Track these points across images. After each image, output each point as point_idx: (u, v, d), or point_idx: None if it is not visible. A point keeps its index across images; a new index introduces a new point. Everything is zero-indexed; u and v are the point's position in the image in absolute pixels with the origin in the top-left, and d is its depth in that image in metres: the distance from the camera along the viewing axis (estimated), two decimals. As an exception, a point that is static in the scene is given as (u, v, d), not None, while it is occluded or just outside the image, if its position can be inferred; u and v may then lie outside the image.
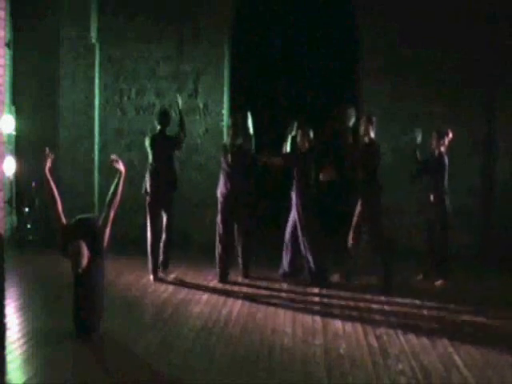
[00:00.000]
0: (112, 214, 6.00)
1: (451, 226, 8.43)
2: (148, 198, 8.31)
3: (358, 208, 8.09)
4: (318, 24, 12.49)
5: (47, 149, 6.14)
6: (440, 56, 10.50)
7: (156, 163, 8.33)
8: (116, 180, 6.16)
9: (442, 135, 8.32)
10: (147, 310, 7.06)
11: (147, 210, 8.34)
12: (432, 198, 8.28)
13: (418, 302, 7.39)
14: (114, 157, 6.34)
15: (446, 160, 8.29)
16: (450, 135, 8.36)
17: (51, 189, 5.99)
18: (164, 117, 8.46)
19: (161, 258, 8.39)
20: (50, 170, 6.08)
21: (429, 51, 10.49)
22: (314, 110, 12.43)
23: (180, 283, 8.13)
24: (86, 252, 5.66)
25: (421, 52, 10.51)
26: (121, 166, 6.24)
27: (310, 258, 8.11)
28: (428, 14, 10.45)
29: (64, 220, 5.91)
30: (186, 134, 8.66)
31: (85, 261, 5.66)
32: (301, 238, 8.16)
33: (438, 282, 8.25)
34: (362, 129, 8.17)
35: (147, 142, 8.43)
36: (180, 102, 8.64)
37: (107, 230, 5.92)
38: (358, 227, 8.11)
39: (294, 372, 5.16)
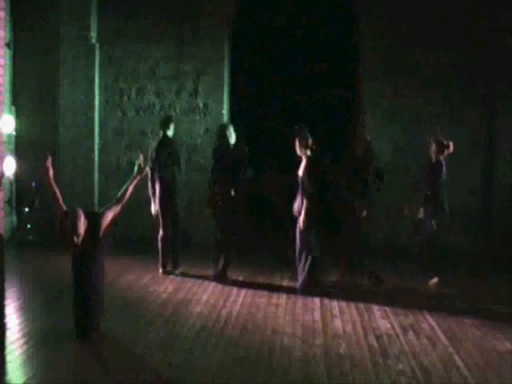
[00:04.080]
0: (118, 208, 6.12)
1: (442, 226, 8.41)
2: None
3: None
4: (318, 25, 12.48)
5: (49, 158, 6.09)
6: (440, 57, 10.50)
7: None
8: (132, 177, 6.38)
9: (442, 148, 8.29)
10: (147, 309, 7.05)
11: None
12: (426, 196, 8.29)
13: (417, 302, 7.39)
14: (141, 156, 6.57)
15: (444, 168, 8.28)
16: (451, 149, 8.32)
17: (52, 185, 6.01)
18: (164, 121, 8.74)
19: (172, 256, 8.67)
20: (54, 176, 6.08)
21: (429, 52, 10.50)
22: (314, 110, 12.42)
23: (180, 283, 8.13)
24: (83, 219, 5.74)
25: (421, 53, 10.51)
26: (143, 165, 6.51)
27: (307, 261, 8.00)
28: (428, 15, 10.46)
29: (64, 207, 5.94)
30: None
31: (82, 228, 5.72)
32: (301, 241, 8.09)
33: (433, 281, 8.25)
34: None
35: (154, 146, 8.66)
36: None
37: (108, 216, 5.98)
38: None
39: (293, 372, 5.16)
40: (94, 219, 5.91)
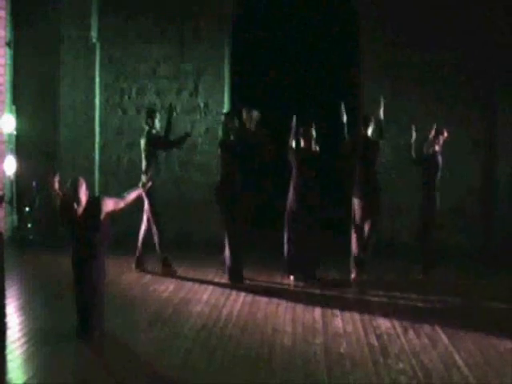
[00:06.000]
0: (120, 202, 6.17)
1: (438, 224, 8.43)
2: None
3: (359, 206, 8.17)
4: (318, 24, 12.49)
5: (56, 175, 6.08)
6: (439, 56, 10.51)
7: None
8: (136, 188, 6.63)
9: (436, 134, 8.33)
10: (147, 309, 7.05)
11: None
12: (422, 194, 8.33)
13: (418, 301, 7.39)
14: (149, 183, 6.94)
15: (440, 160, 8.30)
16: (446, 134, 8.37)
17: (56, 193, 6.03)
18: (147, 118, 8.70)
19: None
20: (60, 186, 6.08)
21: (428, 51, 10.51)
22: (315, 109, 12.42)
23: (180, 282, 8.12)
24: (84, 188, 5.78)
25: (420, 52, 10.53)
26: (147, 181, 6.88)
27: (305, 254, 8.16)
28: (427, 14, 10.48)
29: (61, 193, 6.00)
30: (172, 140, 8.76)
31: (83, 196, 5.75)
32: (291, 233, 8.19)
33: (420, 277, 8.29)
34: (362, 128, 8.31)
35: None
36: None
37: (110, 204, 5.99)
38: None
39: (294, 371, 5.15)
40: (95, 202, 5.92)
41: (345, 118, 8.25)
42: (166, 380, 5.03)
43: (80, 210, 5.79)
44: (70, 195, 5.78)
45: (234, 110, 9.18)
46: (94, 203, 5.90)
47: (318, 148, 8.27)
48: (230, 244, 8.20)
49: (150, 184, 6.89)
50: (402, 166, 10.25)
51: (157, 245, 8.54)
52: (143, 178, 7.21)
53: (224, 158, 8.28)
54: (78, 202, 5.75)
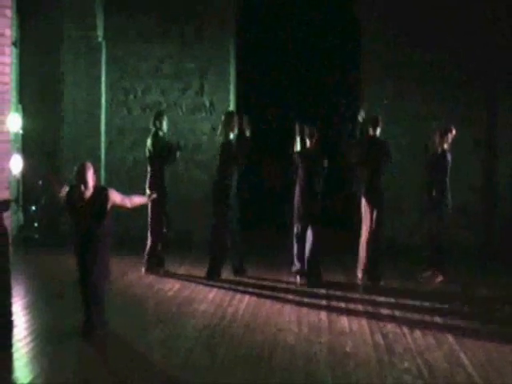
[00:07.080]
0: (125, 200, 6.20)
1: (448, 224, 8.40)
2: None
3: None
4: (320, 24, 12.51)
5: (64, 186, 6.13)
6: (441, 56, 10.50)
7: None
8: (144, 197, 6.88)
9: (445, 132, 8.31)
10: (151, 308, 7.07)
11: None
12: (434, 193, 8.27)
13: (423, 300, 7.37)
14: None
15: (449, 157, 8.28)
16: (454, 132, 8.34)
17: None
18: (155, 119, 8.59)
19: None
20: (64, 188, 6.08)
21: (429, 52, 10.49)
22: (317, 108, 12.44)
23: (185, 282, 8.12)
24: (92, 172, 5.80)
25: (421, 52, 10.52)
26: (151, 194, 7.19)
27: (310, 257, 8.11)
28: (429, 14, 10.46)
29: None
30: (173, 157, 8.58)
31: (90, 179, 5.75)
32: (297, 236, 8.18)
33: (439, 279, 8.26)
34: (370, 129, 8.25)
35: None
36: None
37: (117, 197, 5.99)
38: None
39: (295, 371, 5.13)
40: (102, 190, 5.92)
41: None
42: (168, 379, 5.04)
43: (87, 194, 5.77)
44: (77, 181, 5.75)
45: (236, 112, 9.11)
46: (101, 191, 5.88)
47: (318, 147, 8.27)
48: (212, 245, 8.27)
49: (154, 195, 7.09)
50: (404, 166, 10.23)
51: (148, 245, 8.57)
52: (148, 190, 7.37)
53: (222, 159, 8.27)
54: (86, 185, 5.73)
